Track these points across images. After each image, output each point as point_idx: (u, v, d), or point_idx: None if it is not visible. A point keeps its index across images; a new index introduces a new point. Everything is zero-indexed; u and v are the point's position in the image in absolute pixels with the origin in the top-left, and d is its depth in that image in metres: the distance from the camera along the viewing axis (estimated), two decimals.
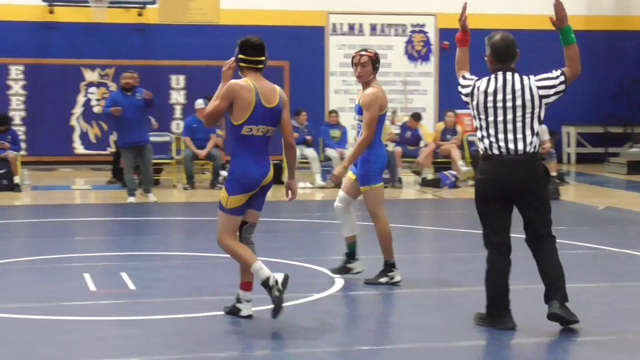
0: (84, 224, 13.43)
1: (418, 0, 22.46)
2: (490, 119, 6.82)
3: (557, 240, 6.95)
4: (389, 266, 8.55)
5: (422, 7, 22.44)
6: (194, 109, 18.10)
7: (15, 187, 17.01)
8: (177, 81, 21.44)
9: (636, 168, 20.59)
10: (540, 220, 6.89)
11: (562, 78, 6.82)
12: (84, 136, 21.29)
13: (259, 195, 7.14)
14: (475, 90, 6.90)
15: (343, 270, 8.80)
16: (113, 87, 20.14)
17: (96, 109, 20.87)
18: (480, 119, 6.89)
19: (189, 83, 21.33)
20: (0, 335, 6.77)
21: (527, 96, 6.78)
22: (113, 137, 20.33)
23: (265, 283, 6.84)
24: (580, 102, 21.66)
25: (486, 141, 6.85)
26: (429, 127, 20.79)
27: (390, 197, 16.65)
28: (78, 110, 21.24)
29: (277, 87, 7.15)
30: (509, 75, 6.85)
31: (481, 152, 6.93)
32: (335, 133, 18.91)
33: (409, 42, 22.56)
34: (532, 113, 6.79)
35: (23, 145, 19.54)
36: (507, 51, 6.89)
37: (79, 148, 21.30)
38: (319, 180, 18.03)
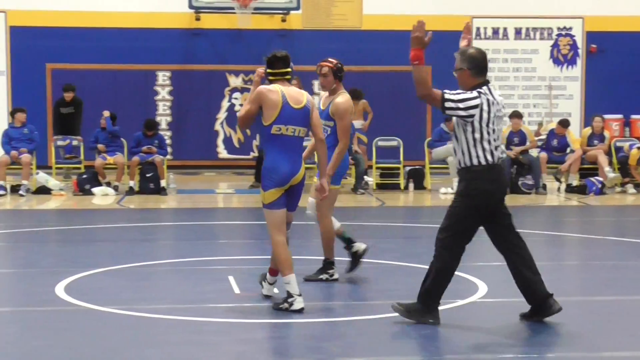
0: (228, 227, 13.61)
1: (565, 2, 22.04)
2: (498, 127, 6.99)
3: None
4: (329, 264, 8.86)
5: (569, 9, 21.98)
6: None
7: (161, 191, 17.39)
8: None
9: None
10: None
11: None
12: (227, 141, 21.62)
13: (291, 195, 7.59)
14: (485, 101, 6.91)
15: (354, 260, 8.99)
16: None
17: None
18: (490, 131, 6.91)
19: None
20: (147, 335, 6.89)
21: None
22: (256, 142, 20.60)
23: (285, 297, 7.44)
24: None
25: (498, 150, 6.98)
26: (575, 133, 20.33)
27: (535, 203, 16.36)
28: (222, 115, 21.60)
29: (305, 92, 7.68)
30: (490, 86, 7.04)
31: (488, 162, 6.93)
32: None
33: (555, 45, 22.09)
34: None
35: (169, 149, 19.98)
36: (486, 62, 7.03)
37: (222, 152, 21.64)
38: None
